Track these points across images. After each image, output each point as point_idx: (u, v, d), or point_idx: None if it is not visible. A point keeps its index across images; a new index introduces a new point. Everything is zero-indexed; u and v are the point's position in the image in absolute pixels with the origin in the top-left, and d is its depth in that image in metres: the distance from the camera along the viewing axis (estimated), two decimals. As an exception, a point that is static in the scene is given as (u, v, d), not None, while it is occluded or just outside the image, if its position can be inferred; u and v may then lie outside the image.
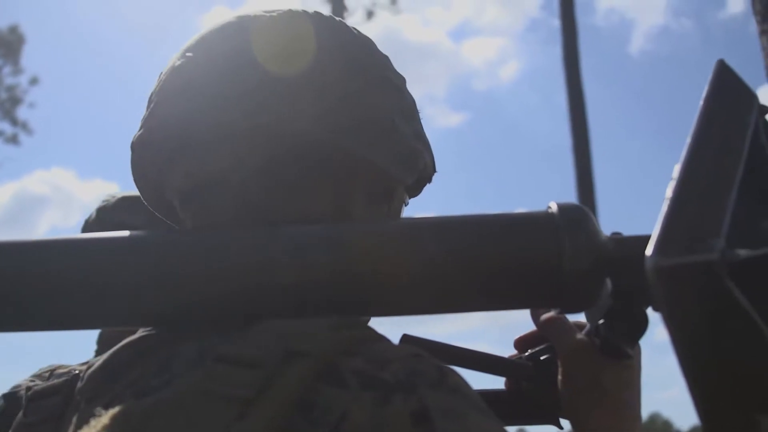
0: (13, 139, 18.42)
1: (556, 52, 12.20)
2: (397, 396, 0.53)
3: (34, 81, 18.88)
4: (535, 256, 0.65)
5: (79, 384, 0.67)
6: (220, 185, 0.69)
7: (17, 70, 18.64)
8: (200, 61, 0.70)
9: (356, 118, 0.69)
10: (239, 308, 0.64)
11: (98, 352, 1.54)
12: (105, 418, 0.56)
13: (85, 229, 1.54)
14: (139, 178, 0.75)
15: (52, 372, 1.51)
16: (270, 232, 0.66)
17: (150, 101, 0.73)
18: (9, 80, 18.62)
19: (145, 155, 0.72)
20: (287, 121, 0.67)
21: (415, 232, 0.66)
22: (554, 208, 0.67)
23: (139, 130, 0.72)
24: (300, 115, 0.67)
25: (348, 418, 0.52)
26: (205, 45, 0.71)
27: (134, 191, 1.54)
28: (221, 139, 0.68)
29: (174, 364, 0.61)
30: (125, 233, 0.67)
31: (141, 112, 0.73)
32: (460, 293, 0.66)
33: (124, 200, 1.55)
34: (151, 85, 0.74)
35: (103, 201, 1.57)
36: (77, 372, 0.69)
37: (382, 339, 0.61)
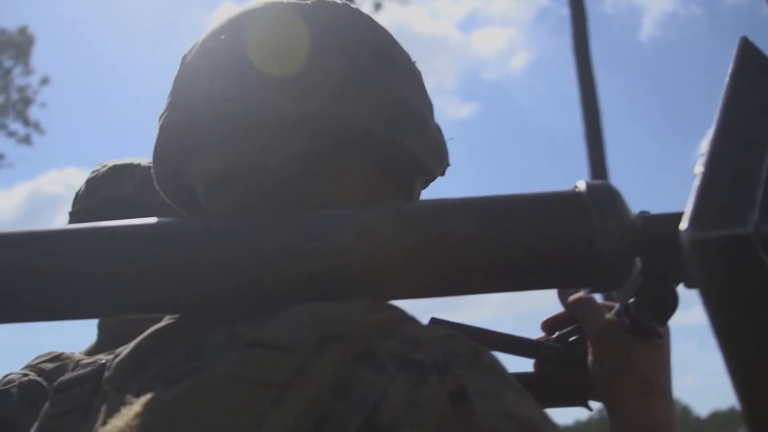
0: (26, 140, 18.50)
1: (566, 41, 12.17)
2: (433, 377, 0.53)
3: (44, 81, 18.94)
4: (565, 236, 0.65)
5: (107, 373, 0.67)
6: (255, 172, 0.68)
7: (28, 71, 18.71)
8: (235, 45, 0.69)
9: (394, 109, 0.70)
10: (268, 294, 0.64)
11: (100, 339, 1.53)
12: (136, 406, 0.56)
13: (75, 202, 1.48)
14: (159, 160, 0.74)
15: (54, 358, 1.50)
16: (300, 217, 0.65)
17: (177, 83, 0.72)
18: (20, 81, 18.68)
19: (174, 138, 0.71)
20: (329, 109, 0.67)
21: (443, 214, 0.66)
22: (582, 186, 0.67)
23: (166, 112, 0.71)
24: (341, 103, 0.67)
25: (386, 400, 0.52)
26: (239, 28, 0.70)
27: (125, 159, 1.53)
28: (258, 125, 0.67)
29: (204, 351, 0.61)
30: (153, 220, 0.68)
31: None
32: (487, 274, 0.66)
33: (114, 170, 1.48)
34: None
35: (93, 172, 1.51)
36: (103, 361, 0.68)
37: (414, 320, 0.61)
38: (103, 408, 0.63)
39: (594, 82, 10.75)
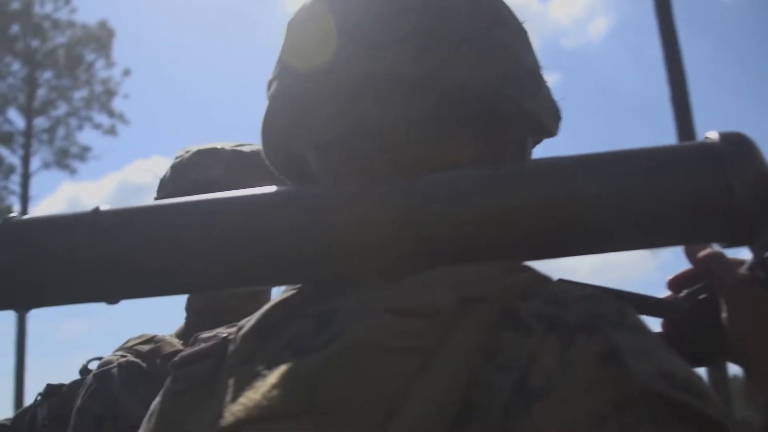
0: (112, 131, 18.93)
1: (645, 5, 11.89)
2: (581, 337, 0.52)
3: (126, 73, 19.33)
4: (701, 189, 0.62)
5: (231, 346, 0.65)
6: (370, 135, 0.67)
7: (109, 64, 19.11)
8: (347, 7, 0.68)
9: (511, 67, 0.68)
10: (392, 260, 0.63)
11: (189, 320, 1.55)
12: (271, 378, 0.55)
13: (161, 188, 1.50)
14: (269, 129, 0.72)
15: (148, 340, 1.52)
16: (424, 180, 0.64)
17: (286, 50, 0.71)
18: (102, 74, 19.13)
19: (285, 105, 0.70)
20: (446, 68, 0.65)
21: (572, 171, 0.64)
22: (715, 137, 0.64)
23: (276, 80, 0.70)
24: (458, 62, 0.65)
25: (536, 362, 0.50)
26: None
27: (208, 144, 1.55)
28: (373, 86, 0.66)
29: (334, 321, 0.60)
30: (277, 189, 0.67)
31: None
32: (621, 231, 0.64)
33: (199, 154, 1.50)
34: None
35: (177, 157, 1.53)
36: (225, 335, 0.67)
37: (551, 281, 0.59)
38: (231, 382, 0.61)
39: (678, 45, 10.47)
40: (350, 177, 0.68)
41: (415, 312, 0.54)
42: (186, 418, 0.62)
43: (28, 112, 18.22)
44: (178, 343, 1.48)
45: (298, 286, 0.68)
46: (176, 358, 0.68)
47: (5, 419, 1.76)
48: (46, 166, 18.28)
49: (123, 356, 1.44)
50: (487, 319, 0.53)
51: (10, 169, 17.88)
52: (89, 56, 18.96)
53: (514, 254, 0.63)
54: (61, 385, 1.66)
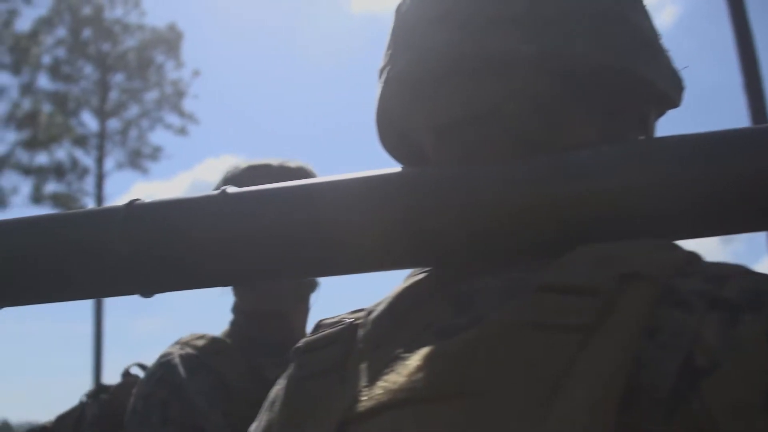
0: (182, 131, 19.17)
1: (716, -11, 11.54)
2: (745, 315, 0.50)
3: (195, 73, 19.55)
4: None
5: (361, 331, 0.64)
6: (488, 117, 0.65)
7: (179, 65, 19.35)
8: None
9: (629, 38, 0.65)
10: (528, 239, 0.61)
11: (235, 322, 1.65)
12: (413, 360, 0.54)
13: None
14: (383, 114, 0.72)
15: (201, 337, 1.59)
16: (553, 159, 0.62)
17: (397, 34, 0.70)
18: (172, 75, 19.40)
19: (399, 90, 0.69)
20: (563, 45, 0.63)
21: (692, 149, 0.61)
22: None
23: (389, 65, 0.69)
24: (574, 38, 0.63)
25: (700, 341, 0.49)
26: None
27: (260, 160, 1.60)
28: (490, 66, 0.65)
29: (475, 301, 0.58)
30: (401, 170, 0.66)
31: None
32: (723, 215, 0.61)
33: (250, 170, 1.58)
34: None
35: (229, 172, 1.60)
36: (350, 320, 0.66)
37: (703, 258, 0.57)
38: (363, 366, 0.60)
39: (750, 29, 10.21)
40: (471, 159, 0.66)
41: (572, 289, 0.52)
42: (315, 405, 0.60)
43: (101, 115, 18.56)
44: (228, 341, 1.59)
45: (426, 269, 0.66)
46: (300, 344, 0.67)
47: (47, 422, 1.82)
48: (119, 166, 18.60)
49: (181, 349, 1.54)
50: (648, 297, 0.51)
51: (85, 171, 18.24)
52: (159, 58, 19.21)
53: (661, 231, 0.60)
54: (110, 385, 1.78)
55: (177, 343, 1.57)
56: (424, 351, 0.54)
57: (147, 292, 0.70)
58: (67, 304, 0.69)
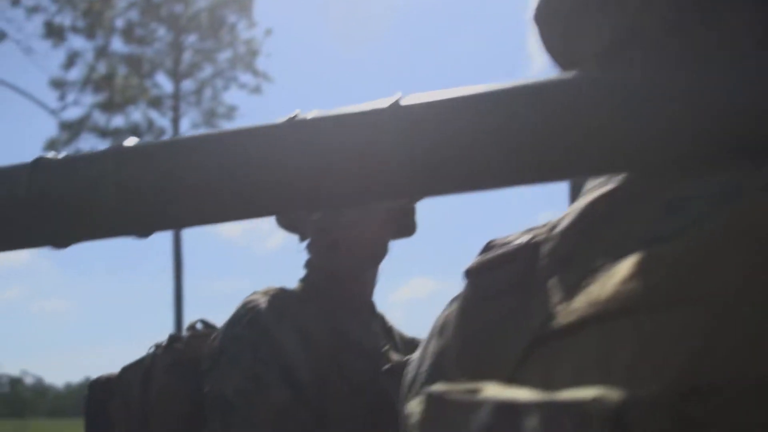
0: (257, 90, 19.36)
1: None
2: None
3: (268, 32, 19.66)
4: None
5: (547, 246, 0.58)
6: (638, 38, 0.63)
7: (251, 24, 19.46)
8: None
9: None
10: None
11: (308, 277, 1.77)
12: (621, 269, 0.48)
13: None
14: (544, 19, 0.70)
15: (280, 289, 1.75)
16: (730, 63, 0.52)
17: None
18: (245, 34, 19.49)
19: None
20: None
21: None
22: None
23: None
24: None
25: None
26: None
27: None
28: None
29: (687, 206, 0.51)
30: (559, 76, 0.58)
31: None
32: None
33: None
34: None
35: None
36: (529, 237, 0.61)
37: None
38: (553, 281, 0.54)
39: None
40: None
41: None
42: (499, 325, 0.56)
43: (176, 76, 18.83)
44: (306, 295, 1.72)
45: (611, 181, 0.61)
46: (472, 265, 0.63)
47: (110, 373, 1.86)
48: (194, 126, 18.88)
49: (264, 295, 1.64)
50: None
51: (161, 132, 18.59)
52: (231, 18, 19.36)
53: None
54: (182, 336, 1.85)
55: (256, 293, 1.65)
56: (633, 259, 0.48)
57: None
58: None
